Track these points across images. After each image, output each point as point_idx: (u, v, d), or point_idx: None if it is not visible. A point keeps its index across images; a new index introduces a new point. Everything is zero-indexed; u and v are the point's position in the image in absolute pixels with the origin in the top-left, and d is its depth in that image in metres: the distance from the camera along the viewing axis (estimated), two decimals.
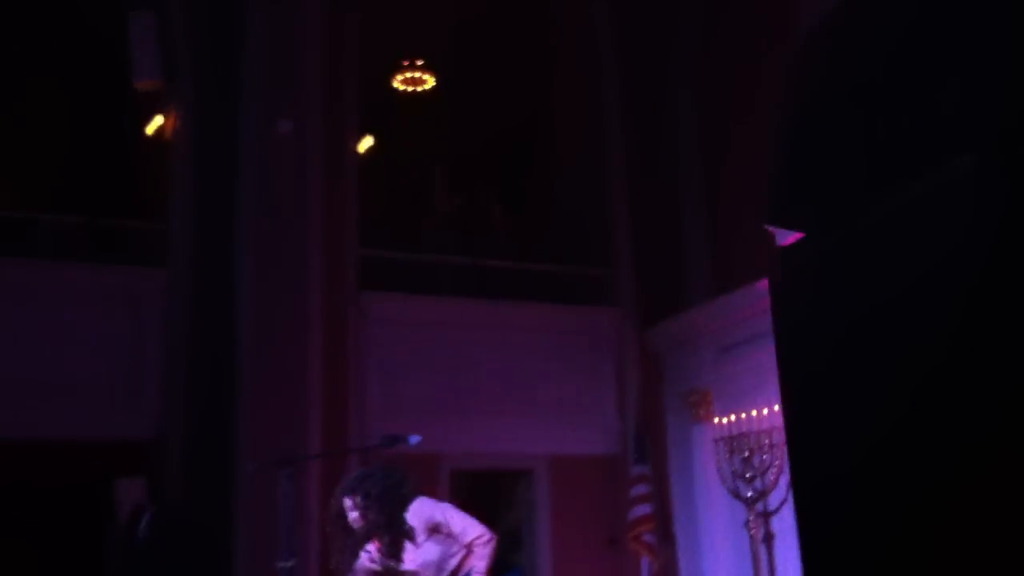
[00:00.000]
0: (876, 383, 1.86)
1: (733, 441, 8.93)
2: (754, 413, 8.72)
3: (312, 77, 9.82)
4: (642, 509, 10.08)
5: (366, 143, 10.61)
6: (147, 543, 7.45)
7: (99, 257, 9.42)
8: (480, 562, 5.13)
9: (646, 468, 10.24)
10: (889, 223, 1.85)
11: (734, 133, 10.25)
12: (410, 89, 11.48)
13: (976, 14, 1.75)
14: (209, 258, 9.42)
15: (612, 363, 11.05)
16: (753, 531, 8.78)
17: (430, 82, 11.49)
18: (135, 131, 10.34)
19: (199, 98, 9.80)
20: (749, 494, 8.80)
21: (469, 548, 5.15)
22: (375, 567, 5.16)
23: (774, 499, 8.69)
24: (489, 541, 5.16)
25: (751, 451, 8.75)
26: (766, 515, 8.78)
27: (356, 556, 5.19)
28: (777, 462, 8.53)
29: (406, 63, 11.41)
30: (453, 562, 5.17)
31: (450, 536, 5.16)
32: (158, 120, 10.25)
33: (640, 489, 10.14)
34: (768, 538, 8.70)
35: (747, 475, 8.82)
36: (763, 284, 3.71)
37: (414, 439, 5.41)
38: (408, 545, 5.13)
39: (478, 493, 10.89)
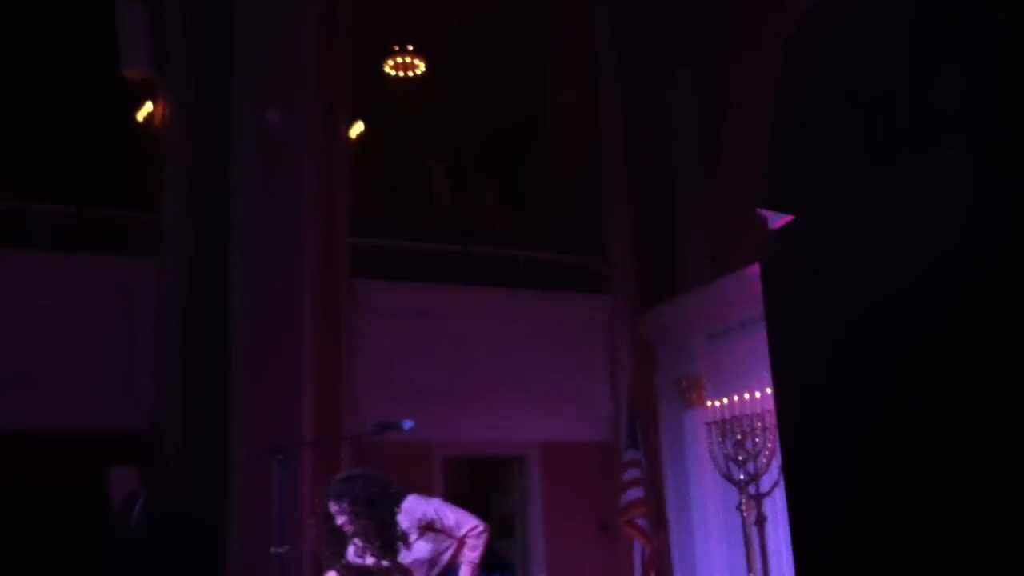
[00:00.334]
0: (869, 372, 1.87)
1: (725, 425, 8.98)
2: (746, 396, 8.76)
3: (306, 64, 9.78)
4: (634, 493, 10.13)
5: (357, 128, 10.57)
6: (139, 531, 7.47)
7: (91, 247, 9.40)
8: (472, 552, 5.17)
9: (638, 453, 10.28)
10: (885, 214, 1.86)
11: (729, 121, 10.25)
12: (400, 74, 11.44)
13: (972, 3, 1.76)
14: (202, 247, 9.40)
15: (605, 350, 11.08)
16: (745, 514, 8.84)
17: (420, 67, 11.45)
18: (127, 120, 10.30)
19: (191, 85, 9.77)
20: (741, 477, 8.85)
21: (462, 540, 5.18)
22: (363, 563, 5.20)
23: (766, 482, 8.75)
24: (483, 532, 5.21)
25: (743, 434, 8.80)
26: (758, 498, 8.83)
27: (342, 556, 5.24)
28: (769, 445, 8.58)
29: (396, 47, 11.37)
30: (445, 557, 5.21)
31: (443, 531, 5.20)
32: (147, 107, 10.21)
33: (632, 474, 10.19)
34: (760, 520, 8.76)
35: (739, 458, 8.87)
36: (754, 269, 3.73)
37: (407, 425, 5.42)
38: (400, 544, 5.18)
39: (471, 480, 10.93)
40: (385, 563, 5.16)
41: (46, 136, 9.75)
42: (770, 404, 7.77)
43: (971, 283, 1.66)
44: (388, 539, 5.14)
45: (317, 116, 9.82)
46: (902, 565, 1.78)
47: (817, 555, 1.99)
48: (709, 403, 9.58)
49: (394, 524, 5.15)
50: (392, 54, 11.39)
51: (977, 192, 1.67)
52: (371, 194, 10.68)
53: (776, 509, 8.65)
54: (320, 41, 9.96)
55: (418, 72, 11.46)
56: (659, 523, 10.39)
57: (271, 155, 9.50)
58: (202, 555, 8.34)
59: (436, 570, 5.21)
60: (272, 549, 4.96)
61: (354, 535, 5.19)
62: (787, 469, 2.13)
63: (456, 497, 10.08)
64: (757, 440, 8.73)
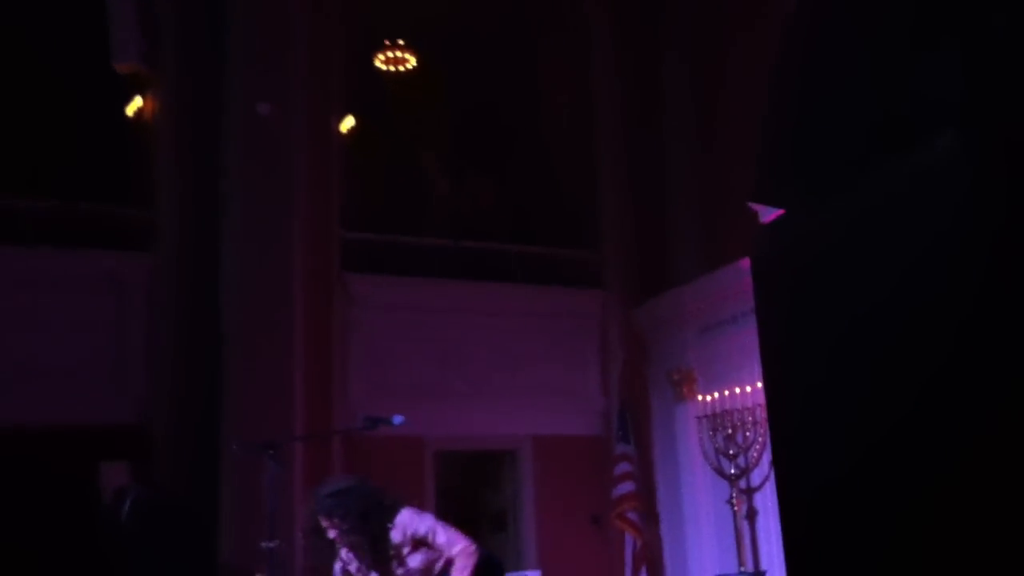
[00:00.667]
0: (859, 365, 1.87)
1: (716, 419, 9.00)
2: (737, 390, 8.78)
3: (297, 58, 9.77)
4: (626, 487, 10.15)
5: (348, 123, 10.55)
6: (130, 526, 7.45)
7: (82, 242, 9.37)
8: (460, 574, 5.17)
9: (630, 447, 10.30)
10: (876, 207, 1.86)
11: (722, 115, 10.25)
12: (392, 68, 11.41)
13: None
14: (193, 242, 9.38)
15: (597, 344, 11.09)
16: (736, 507, 8.86)
17: (411, 61, 11.42)
18: (118, 114, 10.26)
19: (183, 80, 9.74)
20: (732, 471, 8.88)
21: (451, 560, 5.19)
22: (353, 571, 5.20)
23: (757, 476, 8.77)
24: (473, 553, 5.19)
25: (734, 428, 8.82)
26: (749, 492, 8.86)
27: (332, 568, 5.24)
28: (760, 439, 8.61)
29: (387, 42, 11.34)
30: (438, 566, 5.22)
31: (434, 548, 5.20)
32: (137, 101, 10.18)
33: (624, 467, 10.20)
34: (751, 514, 8.79)
35: (730, 452, 8.89)
36: (747, 263, 3.72)
37: (397, 419, 5.43)
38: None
39: (463, 474, 10.94)
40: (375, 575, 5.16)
41: (36, 131, 9.70)
42: (761, 398, 7.78)
43: (962, 275, 1.66)
44: (380, 553, 5.12)
45: (309, 110, 9.80)
46: (891, 557, 1.78)
47: (807, 548, 1.99)
48: (700, 397, 9.60)
49: (386, 539, 5.13)
50: (383, 48, 11.36)
51: (969, 184, 1.67)
52: (363, 188, 10.66)
53: (767, 503, 8.68)
54: (312, 35, 9.94)
55: (409, 67, 11.43)
56: (650, 517, 10.41)
57: (263, 149, 9.48)
58: (194, 550, 8.34)
59: None
60: (263, 544, 4.97)
61: (344, 546, 5.17)
62: (777, 463, 2.13)
63: (447, 491, 10.19)
64: (748, 434, 8.75)
